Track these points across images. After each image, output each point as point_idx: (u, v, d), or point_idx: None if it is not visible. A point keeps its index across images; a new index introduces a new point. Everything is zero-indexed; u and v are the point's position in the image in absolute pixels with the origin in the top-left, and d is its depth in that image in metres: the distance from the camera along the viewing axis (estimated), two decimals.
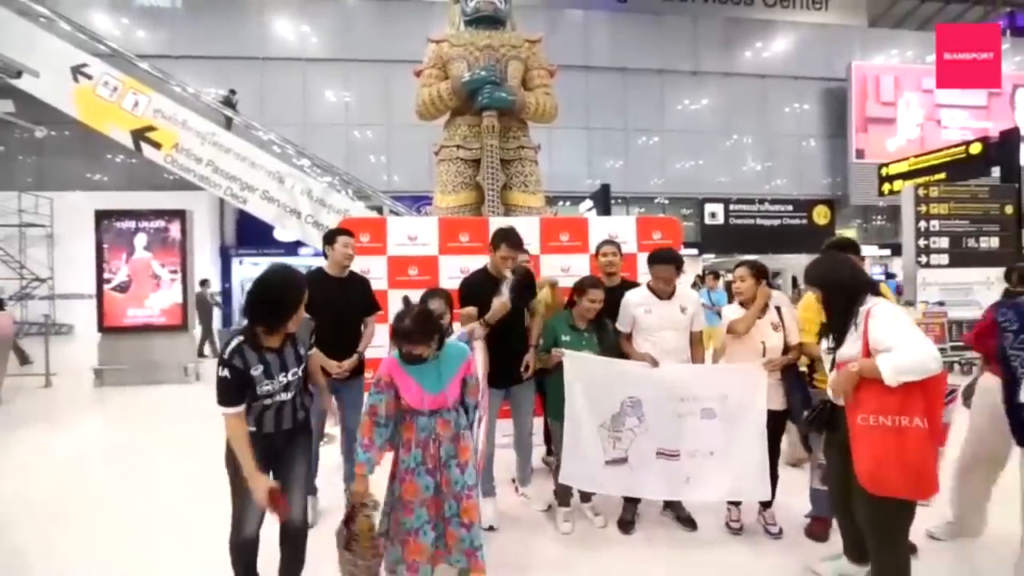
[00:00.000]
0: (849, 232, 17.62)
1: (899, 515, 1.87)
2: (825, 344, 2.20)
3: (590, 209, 12.54)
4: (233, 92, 10.63)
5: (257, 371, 1.82)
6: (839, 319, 2.01)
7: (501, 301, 2.64)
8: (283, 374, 1.89)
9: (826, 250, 2.50)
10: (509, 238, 2.78)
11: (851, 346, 1.96)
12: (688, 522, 2.80)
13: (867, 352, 1.87)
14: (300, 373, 1.97)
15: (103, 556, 2.59)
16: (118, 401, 5.92)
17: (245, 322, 1.89)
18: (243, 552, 1.91)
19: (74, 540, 2.76)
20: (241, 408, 1.81)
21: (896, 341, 1.79)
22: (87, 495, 3.35)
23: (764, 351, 2.60)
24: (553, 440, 2.83)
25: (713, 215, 16.49)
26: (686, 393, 2.63)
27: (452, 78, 4.81)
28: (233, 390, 1.78)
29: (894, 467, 1.77)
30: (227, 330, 8.91)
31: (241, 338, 1.82)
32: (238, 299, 15.70)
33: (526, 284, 2.93)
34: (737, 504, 2.77)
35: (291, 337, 1.93)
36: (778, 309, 2.68)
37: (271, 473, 1.95)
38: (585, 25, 15.99)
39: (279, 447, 1.98)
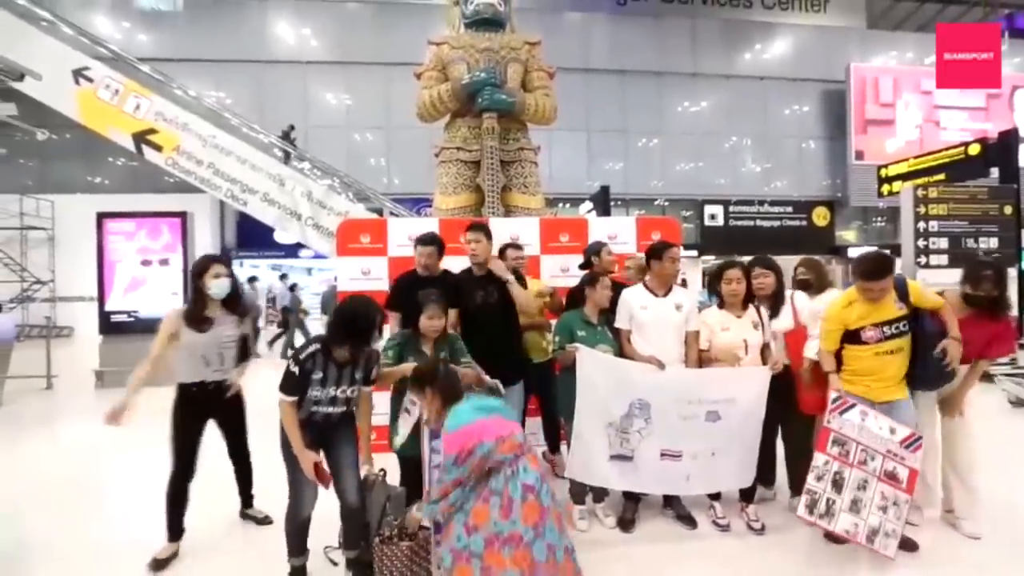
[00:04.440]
0: (849, 234, 17.64)
1: (810, 424, 2.87)
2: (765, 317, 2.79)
3: (590, 211, 12.56)
4: (292, 127, 10.86)
5: (318, 375, 2.13)
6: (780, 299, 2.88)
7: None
8: (336, 388, 2.17)
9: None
10: (471, 227, 2.95)
11: (783, 319, 2.84)
12: (688, 520, 2.81)
13: (796, 320, 2.86)
14: (351, 394, 2.23)
15: (106, 557, 2.60)
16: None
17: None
18: (297, 528, 2.25)
19: (77, 540, 2.77)
20: (295, 398, 2.13)
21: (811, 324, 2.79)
22: (89, 496, 3.36)
23: (746, 348, 2.68)
24: (566, 438, 2.86)
25: (713, 217, 16.52)
26: (693, 396, 2.66)
27: (452, 80, 4.83)
28: (296, 385, 2.12)
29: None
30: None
31: (318, 347, 2.15)
32: None
33: (494, 279, 2.98)
34: (717, 497, 2.83)
35: (357, 360, 2.21)
36: (758, 308, 2.75)
37: (324, 457, 2.26)
38: (584, 27, 16.03)
39: (325, 434, 2.26)
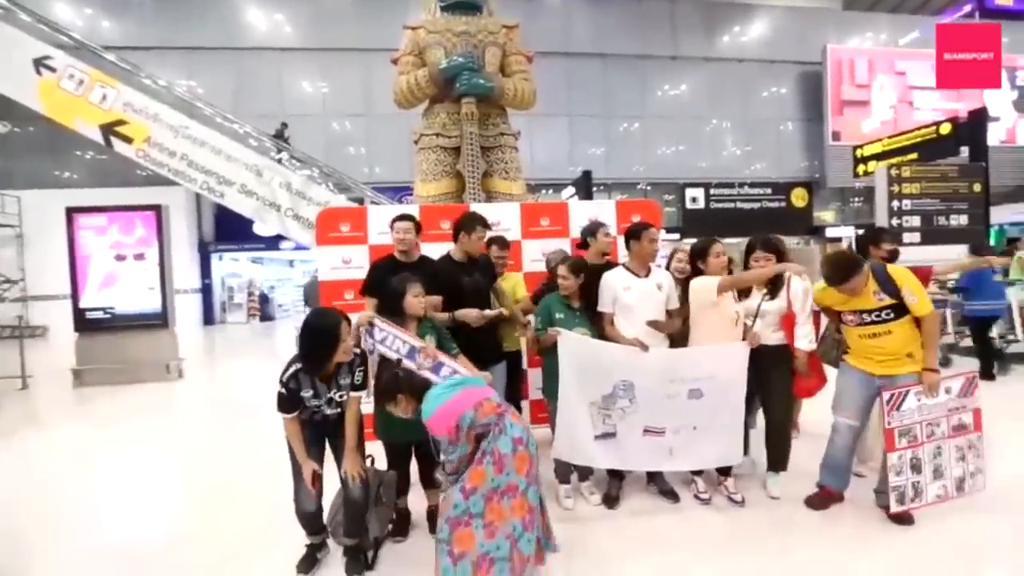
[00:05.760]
0: (827, 214, 17.96)
1: (791, 401, 2.95)
2: (756, 297, 2.79)
3: (572, 196, 12.57)
4: (285, 125, 10.63)
5: (307, 393, 2.19)
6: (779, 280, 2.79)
7: (479, 315, 2.79)
8: (329, 392, 2.22)
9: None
10: (484, 220, 2.96)
11: (780, 301, 2.77)
12: (671, 495, 2.89)
13: (791, 306, 2.75)
14: (345, 399, 2.25)
15: (91, 556, 2.58)
16: (99, 401, 5.83)
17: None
18: (305, 519, 2.32)
19: (58, 542, 2.74)
20: (295, 414, 2.19)
21: (800, 311, 2.74)
22: (69, 497, 3.32)
23: (738, 320, 2.74)
24: (549, 418, 2.90)
25: (694, 199, 16.65)
26: (675, 375, 2.70)
27: (429, 65, 4.77)
28: (288, 403, 2.17)
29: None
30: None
31: (299, 366, 2.16)
32: (219, 295, 15.50)
33: (488, 269, 3.06)
34: (699, 472, 2.89)
35: (340, 368, 2.22)
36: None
37: (326, 446, 2.35)
38: (564, 10, 15.89)
39: (327, 431, 2.33)
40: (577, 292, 2.81)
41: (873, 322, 2.50)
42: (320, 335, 2.12)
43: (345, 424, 2.28)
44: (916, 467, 2.50)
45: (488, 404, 1.96)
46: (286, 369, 2.15)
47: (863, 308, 2.51)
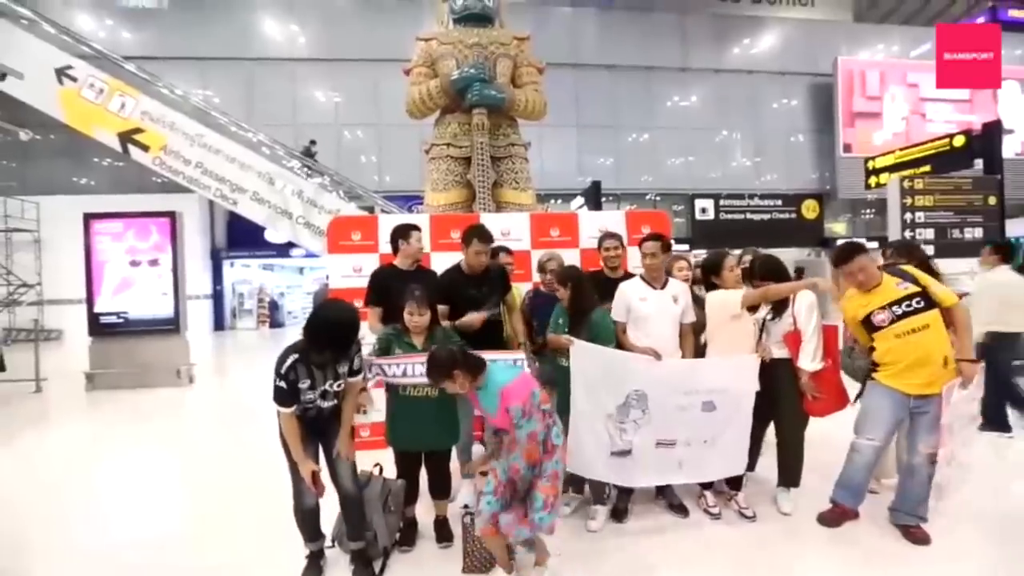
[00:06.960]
0: (838, 226, 17.81)
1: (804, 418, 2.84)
2: (763, 312, 2.79)
3: (581, 206, 12.58)
4: (313, 142, 10.81)
5: (305, 384, 2.15)
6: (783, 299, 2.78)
7: (480, 316, 2.80)
8: (324, 383, 2.19)
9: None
10: (481, 234, 2.88)
11: (786, 318, 2.75)
12: (680, 509, 2.85)
13: (795, 323, 2.73)
14: (340, 388, 2.25)
15: (100, 559, 2.59)
16: (110, 405, 5.88)
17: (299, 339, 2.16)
18: (305, 516, 2.30)
19: (68, 544, 2.76)
20: (293, 408, 2.15)
21: (805, 329, 2.71)
22: (80, 498, 3.34)
23: (755, 333, 2.73)
24: None
25: (704, 211, 16.60)
26: (689, 387, 2.68)
27: (441, 76, 4.83)
28: (287, 396, 2.12)
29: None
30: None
31: (297, 356, 2.12)
32: (230, 301, 15.65)
33: (501, 281, 3.05)
34: (708, 486, 2.86)
35: (336, 357, 2.19)
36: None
37: (320, 446, 2.31)
38: (574, 22, 16.02)
39: (320, 427, 2.29)
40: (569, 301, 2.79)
41: (906, 313, 2.44)
42: (343, 326, 2.10)
43: (342, 414, 2.28)
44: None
45: (543, 393, 2.11)
46: (283, 360, 2.10)
47: (890, 300, 2.47)
